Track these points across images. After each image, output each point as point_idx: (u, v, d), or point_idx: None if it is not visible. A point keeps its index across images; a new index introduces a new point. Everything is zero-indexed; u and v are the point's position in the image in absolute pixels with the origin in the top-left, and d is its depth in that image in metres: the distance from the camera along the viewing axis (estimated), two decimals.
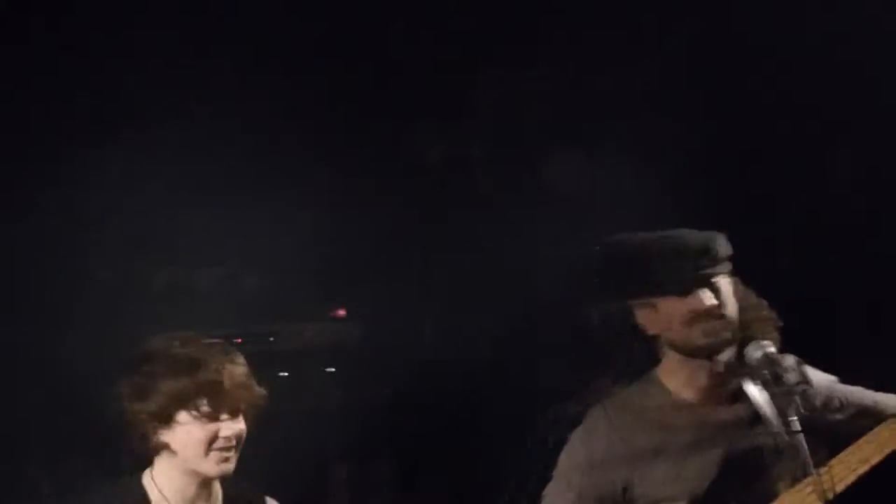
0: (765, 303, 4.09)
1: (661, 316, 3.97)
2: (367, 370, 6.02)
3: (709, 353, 3.95)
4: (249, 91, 5.57)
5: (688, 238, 3.97)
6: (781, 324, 4.05)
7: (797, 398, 3.64)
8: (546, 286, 5.85)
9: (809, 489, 3.76)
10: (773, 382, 3.78)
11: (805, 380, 3.76)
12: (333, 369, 6.18)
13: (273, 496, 3.96)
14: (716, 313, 3.91)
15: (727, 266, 4.00)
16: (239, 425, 3.77)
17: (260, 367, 6.05)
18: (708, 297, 3.90)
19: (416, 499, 6.02)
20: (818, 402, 3.96)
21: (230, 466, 3.77)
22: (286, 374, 6.20)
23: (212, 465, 3.76)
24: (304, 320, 6.18)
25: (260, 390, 3.82)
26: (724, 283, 3.97)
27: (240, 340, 6.00)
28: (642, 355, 4.09)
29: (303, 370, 6.22)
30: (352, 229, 6.00)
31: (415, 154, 6.00)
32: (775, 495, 3.89)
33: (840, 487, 3.78)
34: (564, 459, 4.03)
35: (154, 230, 5.90)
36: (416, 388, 5.85)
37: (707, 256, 3.93)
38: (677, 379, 4.00)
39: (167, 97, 5.66)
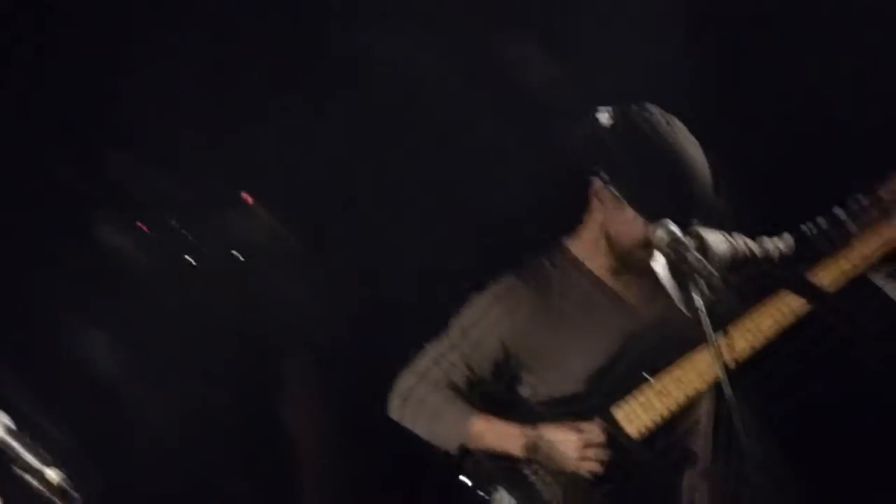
0: None
1: (619, 218, 3.97)
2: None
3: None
4: None
5: (698, 170, 3.89)
6: None
7: (699, 279, 3.65)
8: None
9: (707, 355, 3.79)
10: (676, 262, 3.82)
11: (707, 260, 3.77)
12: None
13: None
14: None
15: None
16: None
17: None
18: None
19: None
20: (720, 274, 3.86)
21: None
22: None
23: None
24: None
25: None
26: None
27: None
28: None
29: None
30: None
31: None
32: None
33: (739, 356, 3.85)
34: (455, 318, 4.12)
35: None
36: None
37: (699, 199, 3.89)
38: (590, 253, 4.09)
39: None
